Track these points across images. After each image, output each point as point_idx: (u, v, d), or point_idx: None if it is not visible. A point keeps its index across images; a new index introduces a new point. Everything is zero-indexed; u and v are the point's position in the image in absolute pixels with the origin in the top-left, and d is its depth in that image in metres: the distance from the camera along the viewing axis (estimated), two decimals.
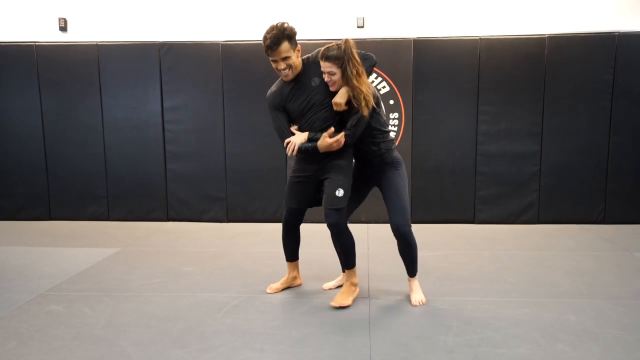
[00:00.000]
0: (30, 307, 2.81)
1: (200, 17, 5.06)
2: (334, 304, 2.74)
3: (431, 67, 4.76)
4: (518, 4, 4.85)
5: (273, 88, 2.79)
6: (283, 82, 2.74)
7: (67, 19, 5.14)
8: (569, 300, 2.87)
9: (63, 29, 5.13)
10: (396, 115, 4.84)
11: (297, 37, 5.20)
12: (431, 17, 4.91)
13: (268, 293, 2.98)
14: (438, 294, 2.98)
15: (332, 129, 2.61)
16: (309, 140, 2.66)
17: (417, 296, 2.86)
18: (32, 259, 3.77)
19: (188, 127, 4.99)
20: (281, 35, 2.54)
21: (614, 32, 4.64)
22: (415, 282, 2.90)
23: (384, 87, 4.81)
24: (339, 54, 2.57)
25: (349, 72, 2.56)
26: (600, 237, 4.35)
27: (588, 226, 4.75)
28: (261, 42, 2.59)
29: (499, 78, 4.73)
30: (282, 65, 2.60)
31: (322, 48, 2.64)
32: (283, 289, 3.04)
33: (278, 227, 4.78)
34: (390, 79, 4.81)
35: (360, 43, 4.92)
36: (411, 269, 2.88)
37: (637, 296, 2.92)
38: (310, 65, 2.71)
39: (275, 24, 2.58)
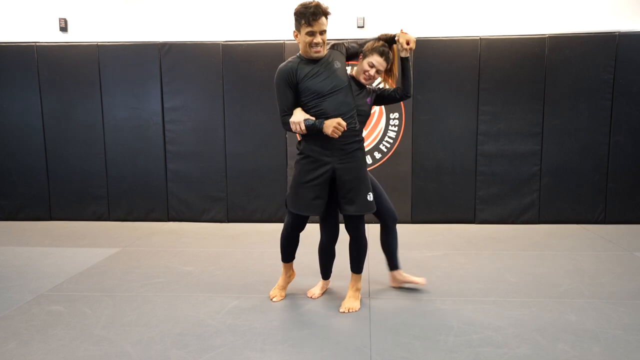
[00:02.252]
0: (31, 307, 2.81)
1: (201, 18, 5.06)
2: (344, 309, 2.72)
3: (431, 67, 4.76)
4: (518, 4, 4.85)
5: (288, 63, 2.66)
6: (301, 60, 2.64)
7: (67, 19, 5.14)
8: (569, 300, 2.87)
9: (63, 29, 5.13)
10: (396, 115, 4.84)
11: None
12: (431, 17, 4.91)
13: (275, 301, 2.89)
14: (438, 293, 2.98)
15: (344, 122, 2.54)
16: (311, 121, 2.57)
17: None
18: (33, 259, 3.77)
19: (188, 127, 4.99)
20: (321, 9, 2.52)
21: (614, 32, 4.64)
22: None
23: (384, 86, 4.80)
24: (391, 56, 2.75)
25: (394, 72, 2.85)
26: (600, 236, 4.35)
27: (588, 226, 4.75)
28: (300, 12, 2.53)
29: (499, 78, 4.73)
30: (318, 39, 2.54)
31: (369, 42, 2.75)
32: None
33: (278, 227, 4.79)
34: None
35: None
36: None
37: (638, 296, 2.92)
38: (334, 51, 2.70)
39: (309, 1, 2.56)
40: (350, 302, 2.76)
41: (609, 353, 2.23)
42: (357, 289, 2.82)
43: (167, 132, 5.01)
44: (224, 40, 4.92)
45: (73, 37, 5.14)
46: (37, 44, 4.99)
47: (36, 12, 5.15)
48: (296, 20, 2.56)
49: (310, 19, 2.50)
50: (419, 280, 3.02)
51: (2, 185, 5.17)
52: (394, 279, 3.05)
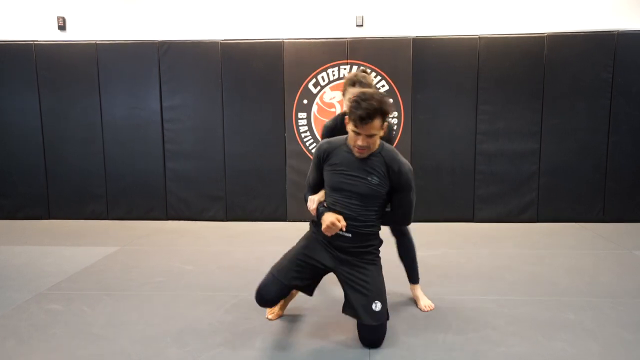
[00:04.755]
0: (30, 306, 2.81)
1: (199, 16, 5.05)
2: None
3: (430, 66, 4.76)
4: (517, 2, 4.85)
5: (330, 143, 2.36)
6: (344, 144, 2.32)
7: (65, 17, 5.12)
8: (568, 298, 2.87)
9: (62, 27, 5.12)
10: (395, 114, 4.84)
11: (296, 36, 5.21)
12: (430, 15, 4.90)
13: (270, 318, 2.59)
14: (437, 292, 2.98)
15: (344, 223, 2.24)
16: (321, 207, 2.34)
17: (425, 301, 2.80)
18: (32, 258, 3.77)
19: (187, 126, 4.99)
20: (379, 108, 2.12)
21: (613, 31, 4.64)
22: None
23: (383, 85, 4.81)
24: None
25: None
26: (599, 235, 4.36)
27: (587, 224, 4.76)
28: (351, 106, 2.14)
29: (498, 77, 4.73)
30: (363, 142, 2.17)
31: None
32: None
33: (277, 226, 4.82)
34: (390, 78, 4.81)
35: (359, 42, 4.97)
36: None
37: (636, 294, 2.93)
38: (386, 160, 2.27)
39: (371, 92, 2.17)
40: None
41: (607, 351, 2.23)
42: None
43: (166, 131, 5.01)
44: (223, 39, 4.91)
45: (71, 35, 5.12)
46: (35, 42, 4.98)
47: (34, 11, 5.13)
48: (348, 110, 2.17)
49: (358, 122, 2.12)
50: (424, 305, 2.75)
51: (1, 184, 5.16)
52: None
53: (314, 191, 2.44)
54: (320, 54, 4.82)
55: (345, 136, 2.35)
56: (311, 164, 2.44)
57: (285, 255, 2.44)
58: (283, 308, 2.67)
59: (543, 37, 4.68)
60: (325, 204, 2.34)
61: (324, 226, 2.25)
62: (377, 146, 2.27)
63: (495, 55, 4.71)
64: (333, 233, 2.26)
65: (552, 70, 4.69)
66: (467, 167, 4.87)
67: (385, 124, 2.25)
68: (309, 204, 2.39)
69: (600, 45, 4.64)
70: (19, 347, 2.31)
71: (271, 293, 2.36)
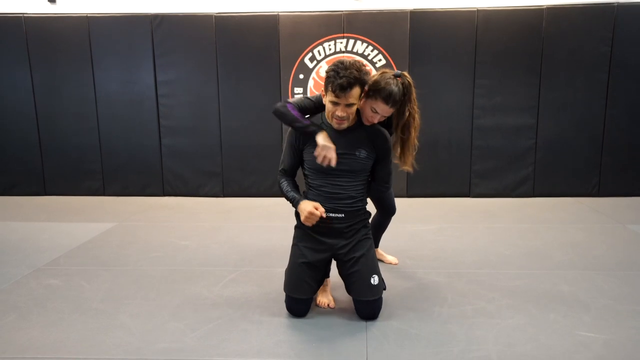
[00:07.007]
0: (28, 281, 2.83)
1: None
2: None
3: (428, 40, 4.70)
4: None
5: None
6: (322, 123, 2.30)
7: None
8: (562, 271, 2.91)
9: (52, 0, 5.00)
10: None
11: (292, 9, 5.09)
12: None
13: (331, 307, 2.46)
14: (433, 266, 3.01)
15: (323, 209, 2.21)
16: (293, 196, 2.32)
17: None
18: (29, 234, 3.77)
19: (182, 101, 4.94)
20: (358, 78, 2.10)
21: (613, 3, 4.57)
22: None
23: (379, 60, 4.76)
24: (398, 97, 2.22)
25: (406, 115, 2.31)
26: (594, 209, 4.39)
27: (582, 199, 4.79)
28: (330, 76, 2.12)
29: (496, 50, 4.68)
30: (341, 112, 2.16)
31: (375, 77, 2.25)
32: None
33: (274, 201, 4.82)
34: (386, 52, 4.75)
35: (356, 15, 4.87)
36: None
37: (629, 267, 2.96)
38: (371, 130, 2.29)
39: (349, 60, 2.14)
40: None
41: (599, 322, 2.27)
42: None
43: (160, 106, 4.95)
44: (217, 12, 4.82)
45: (62, 8, 5.00)
46: (25, 15, 4.86)
47: None
48: (325, 79, 2.17)
49: (337, 91, 2.10)
50: (392, 260, 3.07)
51: None
52: None
53: (290, 176, 2.39)
54: (317, 28, 4.74)
55: (320, 114, 2.34)
56: (285, 148, 2.36)
57: (290, 269, 2.36)
58: (327, 292, 2.54)
59: (542, 9, 4.60)
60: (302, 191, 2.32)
61: (302, 217, 2.23)
62: (355, 117, 2.26)
63: (494, 29, 4.64)
64: (314, 222, 2.21)
65: (551, 44, 4.64)
66: (464, 142, 4.86)
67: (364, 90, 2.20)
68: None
69: (600, 18, 4.58)
70: (19, 322, 2.33)
71: (301, 310, 2.36)
